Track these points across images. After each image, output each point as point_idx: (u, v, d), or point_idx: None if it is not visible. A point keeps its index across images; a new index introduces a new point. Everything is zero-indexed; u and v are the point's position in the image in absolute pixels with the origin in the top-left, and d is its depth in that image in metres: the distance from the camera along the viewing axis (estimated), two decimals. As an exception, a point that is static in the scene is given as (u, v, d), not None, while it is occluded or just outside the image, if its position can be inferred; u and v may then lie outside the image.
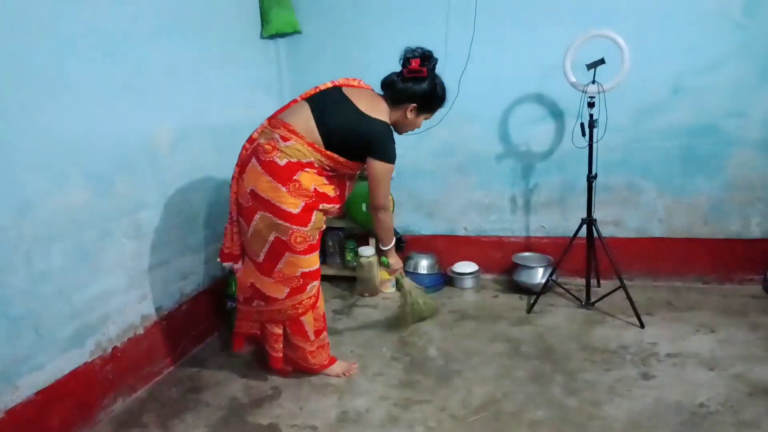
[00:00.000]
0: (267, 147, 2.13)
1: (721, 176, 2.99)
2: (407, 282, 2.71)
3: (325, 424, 2.09)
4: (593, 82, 2.67)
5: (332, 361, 2.43)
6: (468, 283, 3.31)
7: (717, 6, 2.82)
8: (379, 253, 2.76)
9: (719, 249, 3.06)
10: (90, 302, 2.14)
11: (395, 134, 2.30)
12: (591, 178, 2.78)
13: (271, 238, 2.16)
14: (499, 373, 2.36)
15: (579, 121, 2.76)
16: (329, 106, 2.18)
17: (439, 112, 2.42)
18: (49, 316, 1.98)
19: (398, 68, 2.27)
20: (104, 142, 2.19)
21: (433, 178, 3.43)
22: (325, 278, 3.42)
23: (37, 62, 1.92)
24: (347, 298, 3.27)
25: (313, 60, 3.49)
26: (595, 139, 2.74)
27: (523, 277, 3.17)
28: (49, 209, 1.97)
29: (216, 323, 2.90)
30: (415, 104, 2.24)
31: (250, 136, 2.28)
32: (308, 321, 2.29)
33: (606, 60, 2.61)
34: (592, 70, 2.66)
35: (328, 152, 2.16)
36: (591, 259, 2.92)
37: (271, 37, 3.39)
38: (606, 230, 3.06)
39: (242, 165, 2.23)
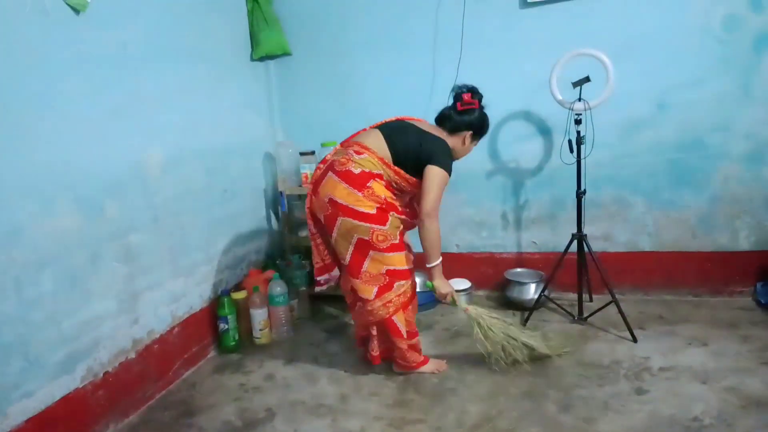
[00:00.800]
0: (342, 160, 2.36)
1: (708, 190, 3.02)
2: (472, 310, 2.48)
3: (320, 446, 2.08)
4: (579, 99, 2.71)
5: (425, 360, 2.55)
6: (461, 300, 3.30)
7: (699, 22, 2.88)
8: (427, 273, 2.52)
9: (709, 262, 3.08)
10: (80, 327, 2.13)
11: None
12: (580, 194, 2.81)
13: (354, 240, 2.33)
14: (494, 391, 2.35)
15: (567, 138, 2.80)
16: (396, 130, 2.45)
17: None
18: (39, 342, 1.96)
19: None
20: (94, 167, 2.20)
21: (424, 196, 3.44)
22: (319, 297, 3.44)
23: (27, 87, 1.93)
24: (340, 317, 3.26)
25: (302, 81, 3.53)
26: (582, 156, 2.78)
27: (516, 293, 3.18)
28: (39, 234, 1.96)
29: (209, 345, 2.89)
30: (470, 132, 2.49)
31: (324, 158, 2.51)
32: (400, 320, 2.41)
33: (591, 78, 2.66)
34: (578, 87, 2.70)
35: (396, 167, 2.37)
36: (582, 274, 2.93)
37: (261, 59, 3.43)
38: (596, 245, 3.09)
39: (316, 183, 2.43)
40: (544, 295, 2.99)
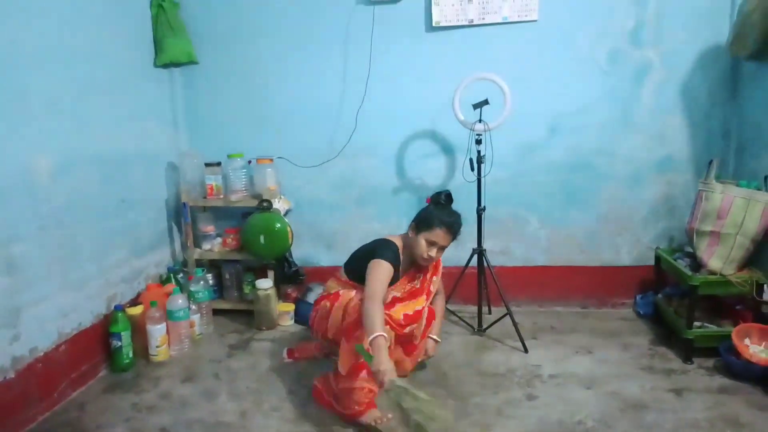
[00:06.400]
0: None
1: (594, 209, 3.27)
2: (406, 393, 2.02)
3: (217, 465, 2.02)
4: (480, 120, 2.85)
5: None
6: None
7: (587, 54, 3.13)
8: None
9: (595, 276, 3.33)
10: (-50, 345, 1.95)
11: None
12: (480, 210, 2.94)
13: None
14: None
15: (468, 157, 2.93)
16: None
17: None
18: None
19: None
20: (-27, 171, 2.04)
21: (332, 210, 3.47)
22: (221, 312, 3.35)
23: None
24: (244, 332, 3.19)
25: (209, 90, 3.45)
26: (483, 174, 2.92)
27: (420, 307, 3.25)
28: None
29: (100, 364, 2.73)
30: (414, 223, 2.49)
31: None
32: None
33: (490, 101, 2.81)
34: (479, 109, 2.84)
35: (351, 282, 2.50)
36: (481, 288, 3.06)
37: (166, 66, 3.32)
38: (495, 260, 3.24)
39: None
40: (447, 309, 3.09)
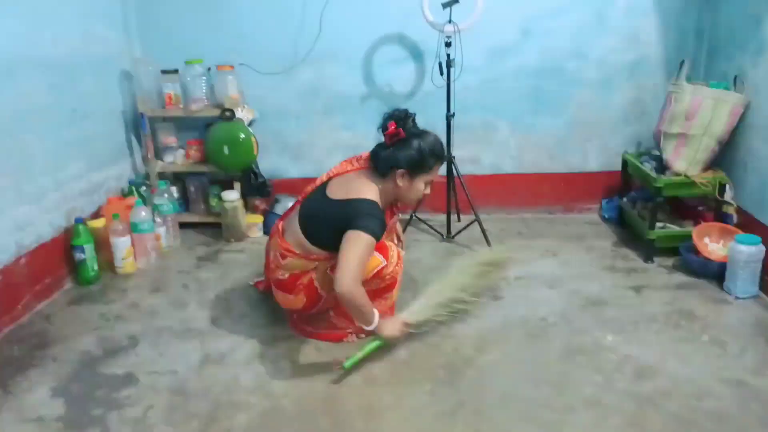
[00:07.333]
0: (272, 266, 2.18)
1: (564, 115, 3.24)
2: (421, 317, 2.13)
3: (187, 368, 2.04)
4: (449, 21, 2.73)
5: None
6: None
7: (561, -49, 2.98)
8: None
9: (563, 182, 3.35)
10: None
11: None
12: (449, 117, 2.89)
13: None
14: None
15: (437, 61, 2.84)
16: (312, 216, 2.09)
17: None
18: None
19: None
20: None
21: (298, 120, 3.37)
22: (189, 225, 3.31)
23: None
24: (213, 245, 3.16)
25: (165, -6, 3.21)
26: (452, 79, 2.84)
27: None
28: None
29: (65, 277, 2.69)
30: (403, 170, 2.05)
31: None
32: None
33: (460, 0, 2.68)
34: (448, 9, 2.71)
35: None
36: (450, 196, 3.06)
37: (113, -38, 3.06)
38: (464, 168, 3.20)
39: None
40: (416, 216, 3.10)
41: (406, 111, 2.09)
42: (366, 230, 1.90)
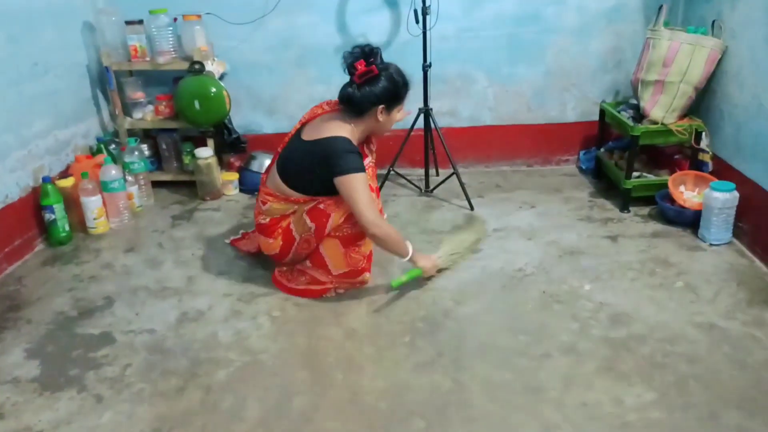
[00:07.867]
0: (255, 212, 2.24)
1: (542, 64, 3.18)
2: (449, 257, 2.32)
3: (164, 326, 2.02)
4: (424, -34, 2.64)
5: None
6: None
7: None
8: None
9: (541, 134, 3.32)
10: None
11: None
12: (426, 67, 2.82)
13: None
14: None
15: (413, 8, 2.75)
16: (288, 160, 2.12)
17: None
18: None
19: None
20: None
21: (271, 73, 3.27)
22: (162, 184, 3.24)
23: None
24: (187, 203, 3.10)
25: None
26: (428, 27, 2.76)
27: (367, 170, 3.21)
28: None
29: (35, 238, 2.62)
30: (382, 105, 2.06)
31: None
32: None
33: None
34: (423, -47, 2.62)
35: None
36: (428, 149, 3.02)
37: None
38: (442, 120, 3.17)
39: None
40: (394, 171, 3.06)
41: (371, 46, 2.07)
42: (351, 170, 1.96)
